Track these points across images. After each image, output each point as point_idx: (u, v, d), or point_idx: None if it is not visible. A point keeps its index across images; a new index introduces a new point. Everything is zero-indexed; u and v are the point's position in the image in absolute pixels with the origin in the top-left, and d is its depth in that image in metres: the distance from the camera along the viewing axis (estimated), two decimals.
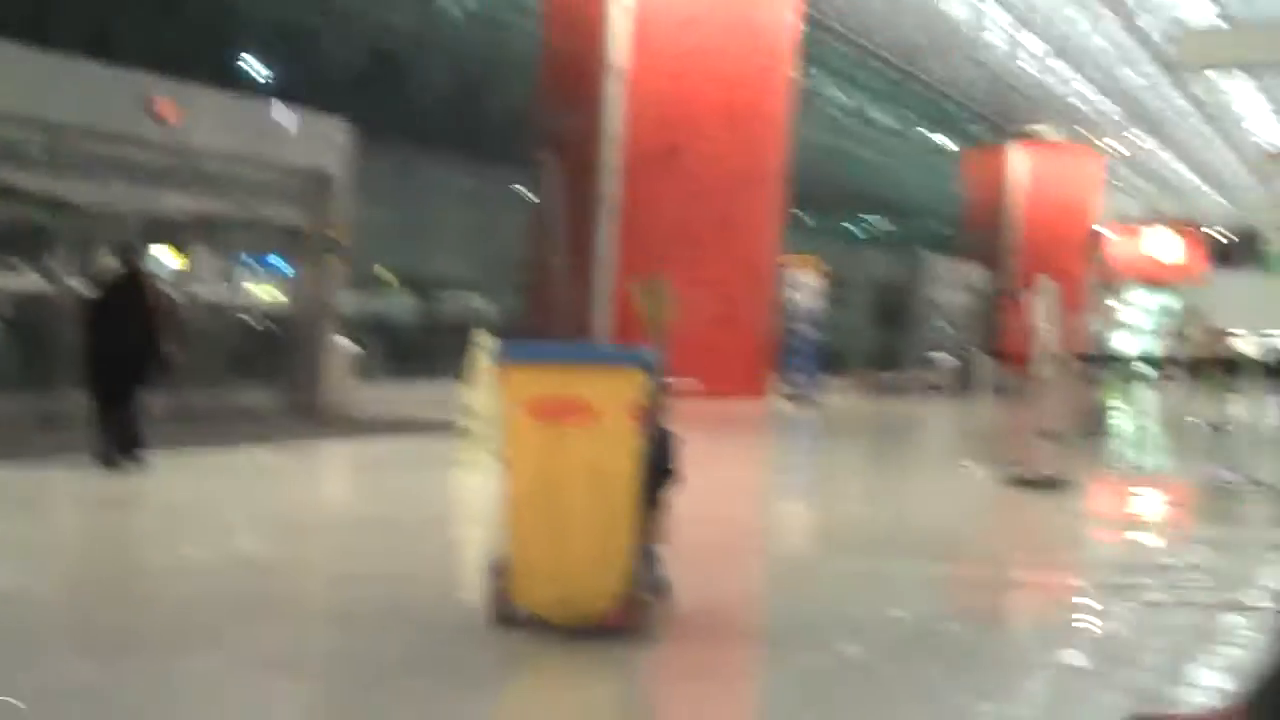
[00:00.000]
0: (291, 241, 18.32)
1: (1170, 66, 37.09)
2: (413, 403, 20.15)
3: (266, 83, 22.07)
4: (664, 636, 5.97)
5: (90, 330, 12.36)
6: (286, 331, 18.25)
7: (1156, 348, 62.97)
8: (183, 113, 16.19)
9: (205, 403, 16.61)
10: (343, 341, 18.62)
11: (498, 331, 15.58)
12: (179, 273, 16.86)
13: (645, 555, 5.97)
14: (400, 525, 9.56)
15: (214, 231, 17.54)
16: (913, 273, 39.84)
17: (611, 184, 26.09)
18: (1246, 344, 68.94)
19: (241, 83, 21.52)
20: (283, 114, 18.31)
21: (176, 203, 16.79)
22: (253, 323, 18.19)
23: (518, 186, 26.74)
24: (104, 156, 15.79)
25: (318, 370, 17.77)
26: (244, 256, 18.31)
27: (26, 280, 15.60)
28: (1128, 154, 58.56)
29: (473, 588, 7.09)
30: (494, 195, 26.24)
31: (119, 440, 11.81)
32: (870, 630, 6.47)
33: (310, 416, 17.26)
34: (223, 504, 10.55)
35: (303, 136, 18.25)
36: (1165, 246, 69.25)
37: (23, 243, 15.96)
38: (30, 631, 5.92)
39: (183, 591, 7.01)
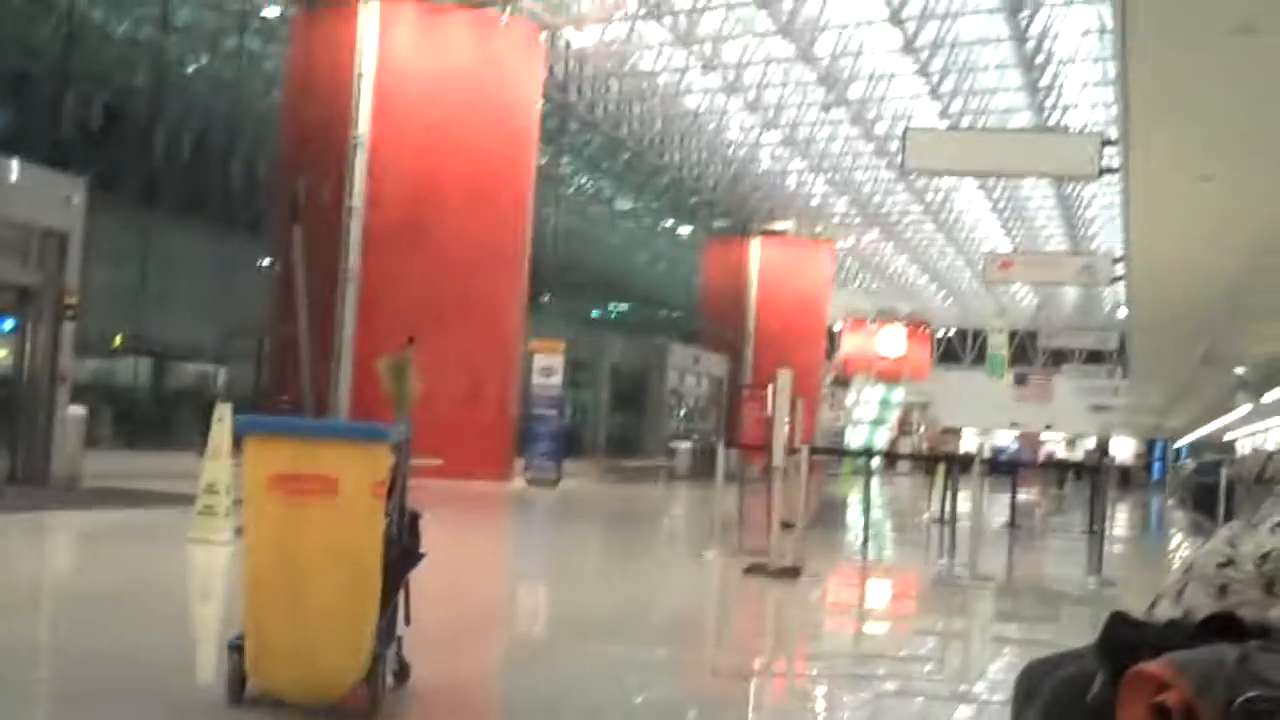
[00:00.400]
0: (21, 301, 17.65)
1: (899, 169, 38.45)
2: (145, 473, 19.58)
3: None
4: (403, 718, 5.88)
5: None
6: (13, 396, 17.51)
7: (886, 442, 64.67)
8: None
9: None
10: (73, 408, 17.98)
11: (237, 403, 15.29)
12: None
13: (386, 635, 5.87)
14: (133, 600, 9.23)
15: None
16: (654, 360, 40.29)
17: (354, 256, 25.92)
18: (972, 441, 71.27)
19: None
20: (14, 169, 17.71)
21: None
22: None
23: (264, 257, 26.36)
24: None
25: (45, 437, 17.07)
26: None
27: None
28: (863, 252, 60.38)
29: (208, 666, 6.90)
30: (235, 261, 25.80)
31: None
32: (608, 714, 6.46)
33: (37, 485, 16.60)
34: None
35: (36, 193, 17.64)
36: (895, 344, 71.49)
37: None
38: None
39: None
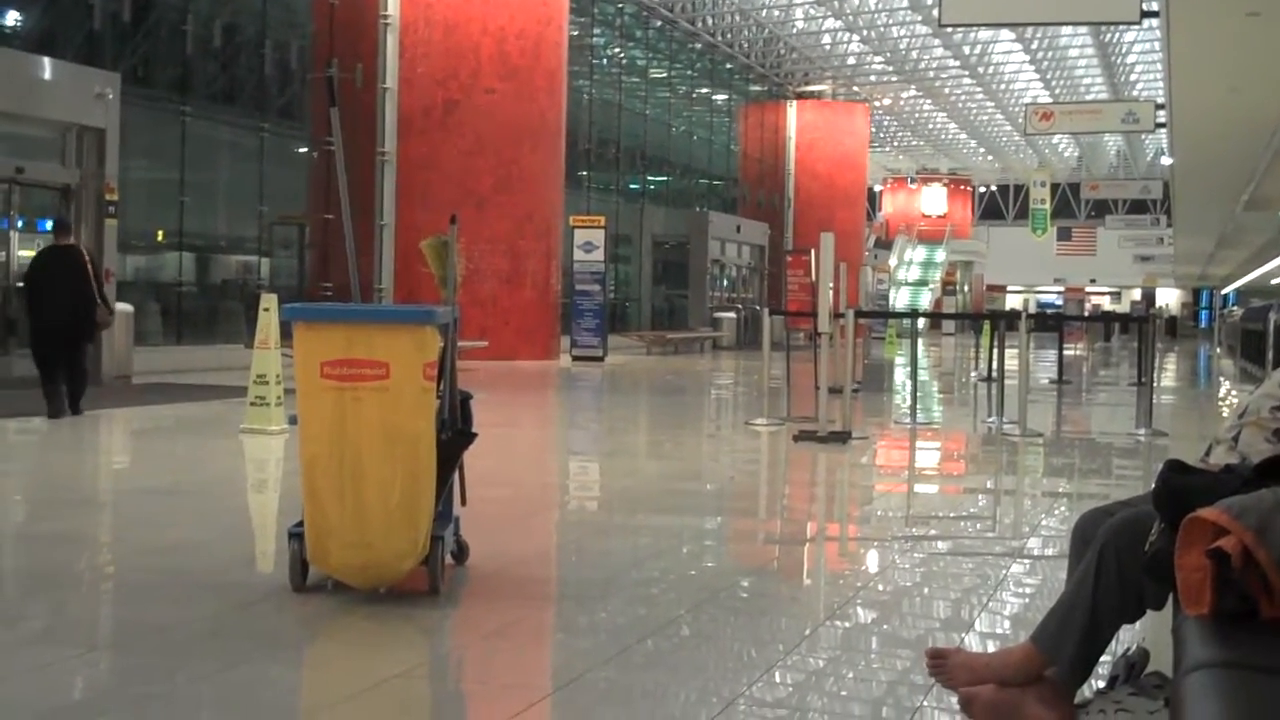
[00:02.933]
0: (62, 200, 17.73)
1: (935, 23, 37.90)
2: (193, 366, 19.80)
3: (25, 35, 21.27)
4: (464, 598, 5.96)
5: (32, 299, 13.73)
6: None
7: (931, 303, 64.52)
8: None
9: None
10: (120, 305, 18.12)
11: (281, 292, 15.37)
12: None
13: (443, 517, 5.93)
14: (190, 493, 9.35)
15: None
16: (694, 230, 40.17)
17: (390, 139, 25.90)
18: (1017, 297, 70.98)
19: (1, 35, 20.74)
20: (47, 67, 17.74)
21: None
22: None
23: (300, 144, 26.32)
24: None
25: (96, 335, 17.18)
26: (10, 217, 17.71)
27: None
28: (901, 111, 59.79)
29: (269, 554, 7.00)
30: (271, 150, 25.77)
31: (66, 395, 13.36)
32: (666, 586, 6.52)
33: (90, 383, 16.73)
34: None
35: (71, 90, 17.69)
36: (936, 202, 71.09)
37: None
38: None
39: None
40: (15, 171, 17.26)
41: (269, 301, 12.49)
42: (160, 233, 23.96)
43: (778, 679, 4.85)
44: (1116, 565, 3.71)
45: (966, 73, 51.77)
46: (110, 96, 17.92)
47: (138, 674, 4.77)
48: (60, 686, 4.65)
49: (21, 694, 4.46)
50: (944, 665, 4.11)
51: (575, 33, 30.92)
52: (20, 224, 17.94)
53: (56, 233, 14.32)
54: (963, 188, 74.01)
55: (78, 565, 6.87)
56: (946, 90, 55.82)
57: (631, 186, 40.48)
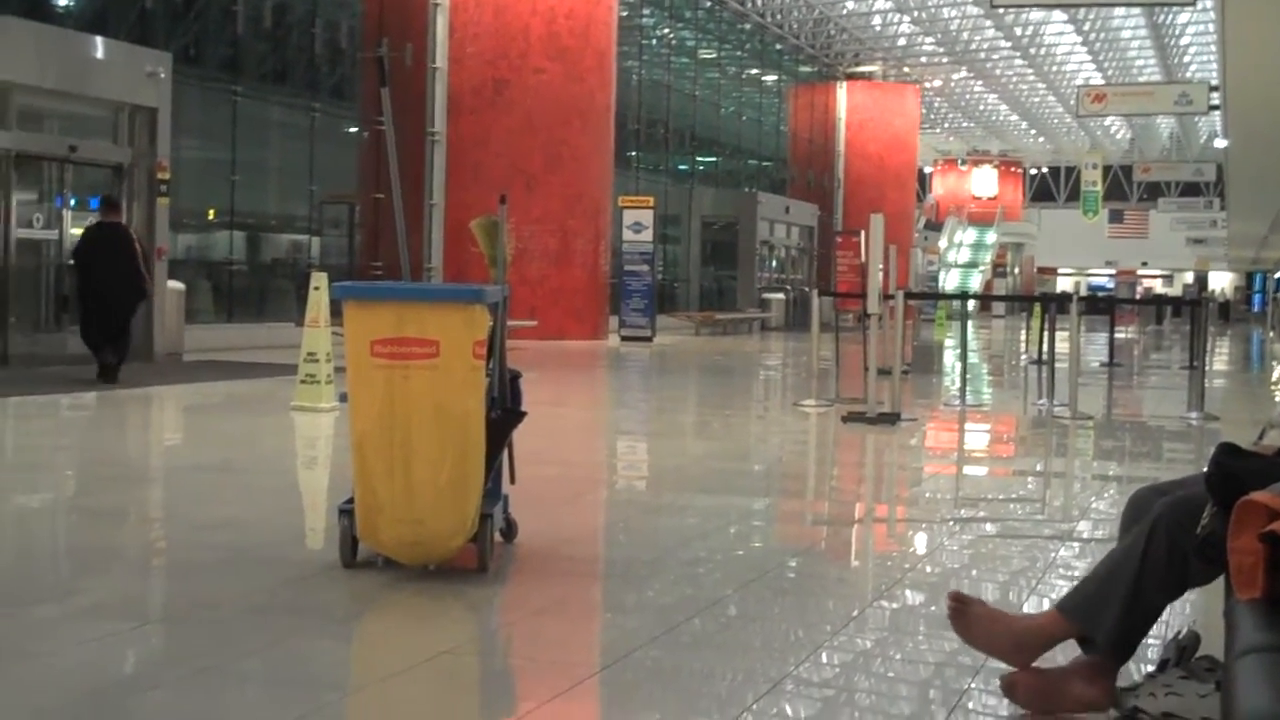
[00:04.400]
0: (114, 179, 17.85)
1: (986, 4, 37.62)
2: (244, 344, 19.93)
3: (79, 14, 21.39)
4: (513, 575, 5.98)
5: (81, 276, 14.56)
6: None
7: (981, 284, 64.20)
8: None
9: (31, 349, 16.27)
10: (172, 283, 18.26)
11: (331, 271, 15.45)
12: None
13: (492, 495, 5.95)
14: (241, 470, 9.42)
15: (32, 170, 17.11)
16: (743, 211, 40.08)
17: (440, 119, 25.94)
18: (1069, 280, 70.60)
19: (54, 14, 20.87)
20: (99, 47, 17.86)
21: None
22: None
23: (350, 124, 26.41)
24: None
25: (147, 313, 17.31)
26: (63, 196, 17.82)
27: None
28: (952, 92, 59.47)
29: (319, 531, 7.04)
30: (322, 130, 25.86)
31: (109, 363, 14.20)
32: (713, 565, 6.52)
33: (141, 360, 16.88)
34: (53, 452, 10.32)
35: (123, 70, 17.81)
36: (987, 184, 70.70)
37: None
38: None
39: (16, 542, 6.84)
40: (68, 150, 17.37)
41: (319, 280, 12.53)
42: (211, 211, 24.09)
43: (824, 660, 4.85)
44: (1167, 541, 3.71)
45: (1018, 54, 51.43)
46: (162, 76, 18.04)
47: (189, 648, 4.82)
48: (113, 660, 4.69)
49: (75, 667, 4.50)
50: (963, 611, 4.10)
51: (624, 13, 30.90)
52: (74, 202, 18.07)
53: (104, 210, 14.72)
54: (1013, 169, 73.59)
55: (129, 540, 6.92)
56: (998, 72, 55.46)
57: (680, 167, 40.41)
